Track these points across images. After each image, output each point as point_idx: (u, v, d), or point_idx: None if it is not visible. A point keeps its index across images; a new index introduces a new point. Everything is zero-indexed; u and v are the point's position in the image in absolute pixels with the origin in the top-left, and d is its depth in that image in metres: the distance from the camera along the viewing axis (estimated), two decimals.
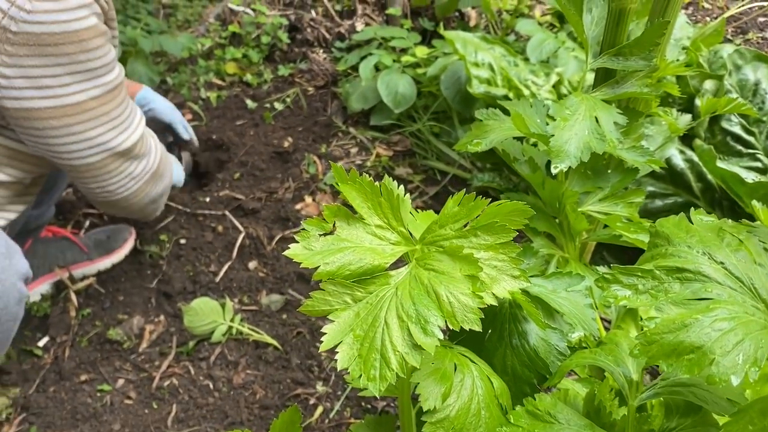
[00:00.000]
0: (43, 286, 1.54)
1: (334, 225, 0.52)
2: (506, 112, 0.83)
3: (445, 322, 0.46)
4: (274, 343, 1.44)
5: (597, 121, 0.74)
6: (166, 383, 1.37)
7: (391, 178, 0.60)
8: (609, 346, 0.59)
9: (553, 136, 0.71)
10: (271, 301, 1.55)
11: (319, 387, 1.35)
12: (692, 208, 0.56)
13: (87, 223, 1.75)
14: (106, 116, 1.16)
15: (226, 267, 1.62)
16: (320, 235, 0.52)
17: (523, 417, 0.55)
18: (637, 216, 0.86)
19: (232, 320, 1.46)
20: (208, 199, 1.80)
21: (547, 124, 0.78)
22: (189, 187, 1.86)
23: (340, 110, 2.06)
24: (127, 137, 1.21)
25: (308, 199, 1.81)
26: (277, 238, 1.69)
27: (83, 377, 1.39)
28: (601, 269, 0.96)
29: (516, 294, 0.57)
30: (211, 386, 1.36)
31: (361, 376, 0.46)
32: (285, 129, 2.02)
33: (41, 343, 1.46)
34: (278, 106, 2.07)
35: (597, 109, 0.75)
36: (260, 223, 1.74)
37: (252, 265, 1.64)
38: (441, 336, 0.46)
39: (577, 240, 0.84)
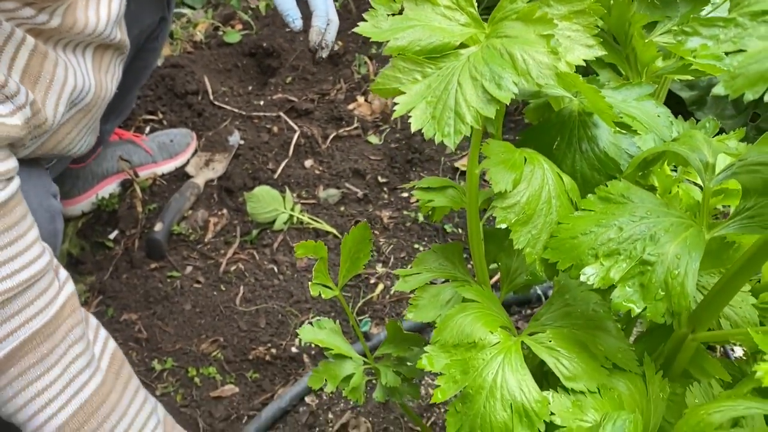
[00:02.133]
0: (112, 186, 1.60)
1: (401, 6, 0.52)
2: None
3: (520, 79, 0.46)
4: (334, 231, 1.46)
5: None
6: (233, 268, 1.42)
7: None
8: (683, 138, 0.58)
9: None
10: (328, 195, 1.57)
11: (379, 268, 1.38)
12: None
13: (147, 129, 1.79)
14: None
15: (283, 164, 1.64)
16: (388, 15, 0.52)
17: (596, 202, 0.55)
18: (707, 47, 0.83)
19: (292, 209, 1.49)
20: (262, 102, 1.82)
21: None
22: (244, 90, 1.88)
23: None
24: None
25: (360, 99, 1.81)
26: (331, 136, 1.71)
27: (153, 265, 1.45)
28: None
29: (584, 86, 0.56)
30: (276, 270, 1.41)
31: (435, 134, 0.46)
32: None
33: (112, 236, 1.53)
34: None
35: None
36: (314, 123, 1.75)
37: (308, 163, 1.66)
38: (516, 90, 0.45)
39: (644, 74, 0.81)
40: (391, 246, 1.43)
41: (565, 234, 0.54)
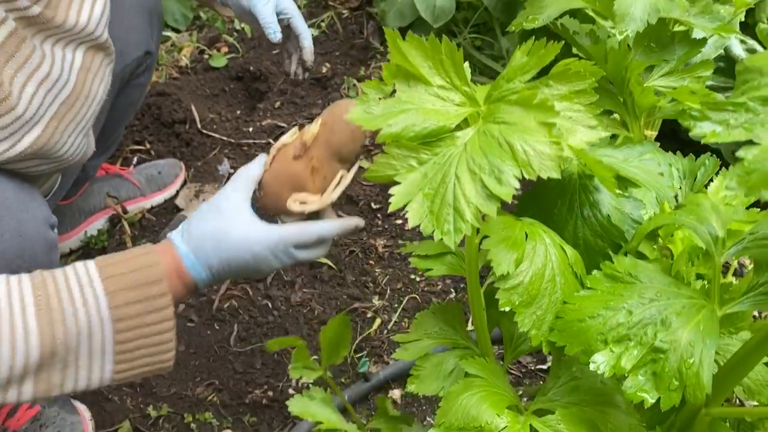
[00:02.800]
0: (100, 222, 1.57)
1: (393, 87, 0.50)
2: None
3: (521, 172, 0.44)
4: (328, 262, 1.44)
5: None
6: (226, 305, 1.40)
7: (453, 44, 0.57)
8: (689, 206, 0.56)
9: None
10: None
11: (376, 301, 1.36)
12: None
13: (135, 159, 1.76)
14: None
15: None
16: (380, 99, 0.49)
17: (602, 280, 0.53)
18: (705, 90, 0.81)
19: None
20: (251, 129, 1.80)
21: None
22: (233, 116, 1.85)
23: (376, 31, 2.00)
24: None
25: None
26: None
27: None
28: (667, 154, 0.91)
29: (587, 157, 0.54)
30: (270, 305, 1.38)
31: (434, 231, 0.44)
32: (322, 55, 1.98)
33: None
34: (313, 31, 2.02)
35: None
36: None
37: None
38: (517, 185, 0.43)
39: (642, 118, 0.79)
40: (387, 277, 1.41)
41: (571, 316, 0.52)
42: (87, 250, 1.52)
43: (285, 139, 0.80)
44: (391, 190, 0.47)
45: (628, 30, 0.66)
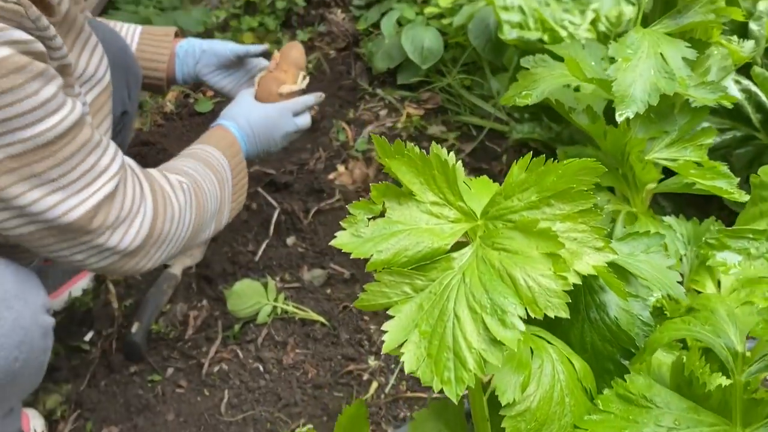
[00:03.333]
0: (84, 281, 1.52)
1: (383, 206, 0.46)
2: (555, 57, 0.74)
3: (526, 309, 0.40)
4: (321, 319, 1.40)
5: (663, 57, 0.65)
6: (216, 369, 1.35)
7: (441, 148, 0.54)
8: (703, 313, 0.52)
9: (615, 80, 0.63)
10: (313, 277, 1.51)
11: (371, 361, 1.31)
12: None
13: None
14: (36, 178, 0.86)
15: (264, 245, 1.58)
16: (369, 219, 0.46)
17: (614, 401, 0.49)
18: (707, 158, 0.78)
19: (275, 300, 1.42)
20: None
21: (605, 69, 0.70)
22: None
23: (364, 72, 1.97)
24: (83, 202, 0.91)
25: (341, 168, 1.75)
26: (312, 211, 1.64)
27: (132, 369, 1.37)
28: (669, 219, 0.88)
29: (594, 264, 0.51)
30: (262, 369, 1.33)
31: (433, 379, 0.40)
32: None
33: (87, 338, 1.44)
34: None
35: (662, 44, 0.66)
36: (294, 196, 1.69)
37: (290, 240, 1.60)
38: (522, 327, 0.39)
39: (643, 192, 0.76)
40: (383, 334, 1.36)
41: None
42: (71, 313, 1.47)
43: (265, 68, 1.41)
44: (385, 326, 0.43)
45: (628, 112, 0.62)
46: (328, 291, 1.48)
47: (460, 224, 0.46)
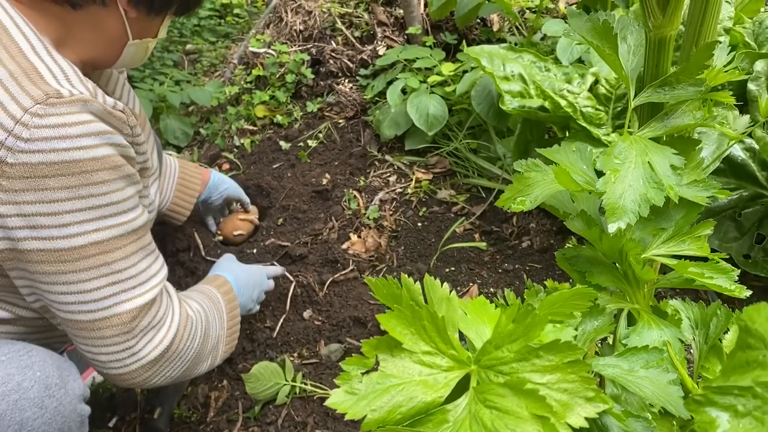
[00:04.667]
0: None
1: (376, 360, 0.48)
2: (547, 161, 0.76)
3: None
4: None
5: (651, 166, 0.67)
6: None
7: (437, 282, 0.55)
8: None
9: (604, 193, 0.64)
10: (330, 351, 1.52)
11: None
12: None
13: None
14: (107, 267, 0.97)
15: (281, 320, 1.60)
16: (363, 374, 0.47)
17: None
18: (707, 249, 0.79)
19: (293, 379, 1.43)
20: (255, 251, 1.79)
21: (598, 173, 0.72)
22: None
23: (373, 139, 2.01)
24: (132, 299, 1.01)
25: (354, 237, 1.77)
26: (327, 282, 1.66)
27: None
28: (675, 304, 0.88)
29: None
30: None
31: None
32: (321, 165, 1.99)
33: (111, 423, 1.46)
34: (312, 143, 2.04)
35: (649, 152, 0.67)
36: (309, 268, 1.71)
37: (307, 314, 1.61)
38: None
39: (645, 287, 0.76)
40: None
41: None
42: (95, 398, 1.50)
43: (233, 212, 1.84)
44: None
45: (620, 224, 0.64)
46: None
47: (454, 372, 0.47)
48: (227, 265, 1.47)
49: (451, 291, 0.58)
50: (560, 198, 0.77)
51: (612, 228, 0.65)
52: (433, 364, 0.48)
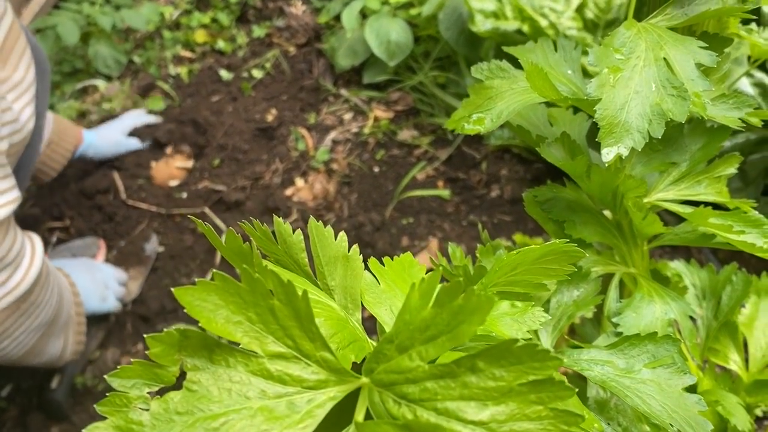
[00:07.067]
0: None
1: (180, 368, 0.26)
2: (518, 65, 0.54)
3: None
4: None
5: (668, 64, 0.45)
6: None
7: (328, 230, 0.34)
8: None
9: (599, 101, 0.43)
10: None
11: None
12: None
13: (54, 238, 1.52)
14: None
15: (209, 276, 1.37)
16: (152, 396, 0.25)
17: None
18: (727, 194, 0.58)
19: None
20: (185, 195, 1.55)
21: (587, 75, 0.49)
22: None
23: (327, 70, 1.76)
24: None
25: (299, 182, 1.55)
26: None
27: (53, 431, 1.18)
28: (678, 266, 0.68)
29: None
30: None
31: None
32: (267, 100, 1.74)
33: (5, 393, 1.25)
34: (257, 73, 1.79)
35: (665, 45, 0.45)
36: (246, 217, 1.49)
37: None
38: None
39: (644, 245, 0.56)
40: None
41: None
42: None
43: None
44: None
45: (620, 148, 0.42)
46: None
47: (326, 390, 0.26)
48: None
49: (356, 248, 0.37)
50: (533, 115, 0.55)
51: (607, 155, 0.43)
52: (290, 377, 0.26)
